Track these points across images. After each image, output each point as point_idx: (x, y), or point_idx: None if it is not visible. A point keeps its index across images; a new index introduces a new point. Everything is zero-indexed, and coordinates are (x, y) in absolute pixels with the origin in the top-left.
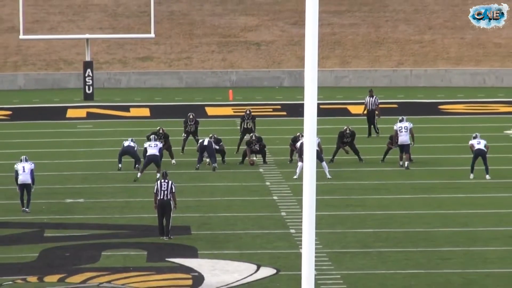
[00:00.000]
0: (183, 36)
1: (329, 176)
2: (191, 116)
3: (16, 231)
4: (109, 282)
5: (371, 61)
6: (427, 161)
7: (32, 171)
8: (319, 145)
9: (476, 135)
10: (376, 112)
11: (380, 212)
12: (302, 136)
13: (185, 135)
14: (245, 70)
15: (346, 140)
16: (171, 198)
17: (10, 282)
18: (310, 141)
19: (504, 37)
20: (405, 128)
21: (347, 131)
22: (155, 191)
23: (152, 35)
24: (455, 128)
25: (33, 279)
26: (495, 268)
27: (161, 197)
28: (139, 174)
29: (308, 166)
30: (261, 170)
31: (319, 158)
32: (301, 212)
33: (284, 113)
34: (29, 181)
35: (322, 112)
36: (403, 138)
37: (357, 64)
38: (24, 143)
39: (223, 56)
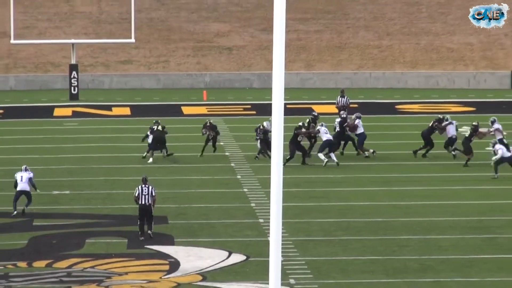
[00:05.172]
0: (161, 41)
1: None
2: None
3: (6, 220)
4: (92, 267)
5: (334, 64)
6: (385, 157)
7: (30, 179)
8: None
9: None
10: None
11: (342, 203)
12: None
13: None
14: (218, 73)
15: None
16: (152, 203)
17: (1, 267)
18: (278, 137)
19: (455, 42)
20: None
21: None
22: (136, 195)
23: (133, 40)
24: (411, 126)
25: (22, 264)
26: (449, 255)
27: (143, 202)
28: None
29: (276, 160)
30: (232, 164)
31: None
32: (269, 203)
33: (254, 112)
34: (27, 189)
35: (288, 111)
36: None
37: (321, 67)
38: (14, 139)
39: (198, 59)
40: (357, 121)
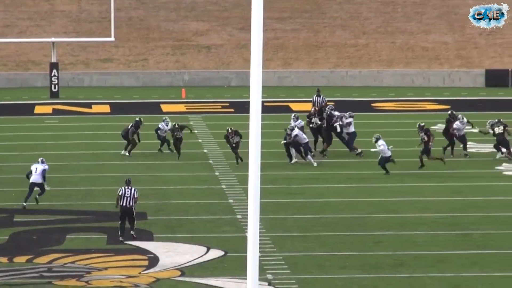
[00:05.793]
0: (140, 40)
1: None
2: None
3: None
4: (73, 262)
5: (310, 63)
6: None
7: (43, 171)
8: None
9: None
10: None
11: (318, 200)
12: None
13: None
14: (196, 71)
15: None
16: (133, 205)
17: None
18: (255, 135)
19: (430, 41)
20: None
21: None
22: (119, 193)
23: (112, 39)
24: (387, 124)
25: (3, 259)
26: (422, 251)
27: (124, 204)
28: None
29: (254, 157)
30: (210, 161)
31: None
32: (247, 199)
33: (232, 110)
34: (39, 181)
35: (266, 109)
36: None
37: (298, 65)
38: None
39: (177, 58)
40: (350, 119)
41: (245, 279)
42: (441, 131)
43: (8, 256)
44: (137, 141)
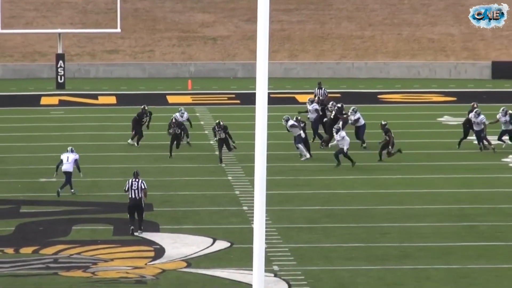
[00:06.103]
0: (146, 31)
1: (308, 156)
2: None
3: None
4: (79, 253)
5: (317, 54)
6: (367, 146)
7: (76, 161)
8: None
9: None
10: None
11: (325, 191)
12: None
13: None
14: (202, 62)
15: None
16: (142, 196)
17: None
18: (261, 126)
19: (436, 33)
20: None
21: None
22: (125, 189)
23: (118, 30)
24: (393, 116)
25: (10, 250)
26: (429, 242)
27: (133, 196)
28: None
29: (260, 148)
30: (216, 152)
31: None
32: (253, 191)
33: (238, 101)
34: (70, 169)
35: (272, 100)
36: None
37: (304, 57)
38: (1, 128)
39: (183, 49)
40: (357, 115)
41: (251, 270)
42: (460, 122)
43: (14, 247)
44: (147, 127)
